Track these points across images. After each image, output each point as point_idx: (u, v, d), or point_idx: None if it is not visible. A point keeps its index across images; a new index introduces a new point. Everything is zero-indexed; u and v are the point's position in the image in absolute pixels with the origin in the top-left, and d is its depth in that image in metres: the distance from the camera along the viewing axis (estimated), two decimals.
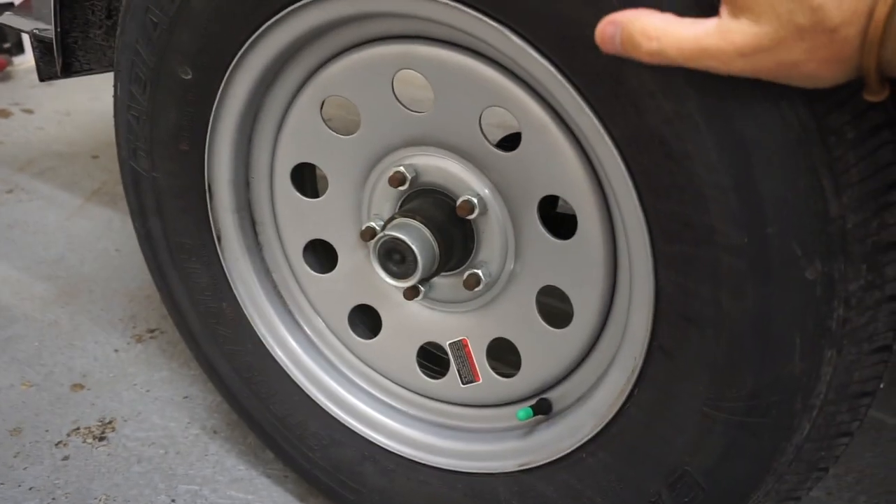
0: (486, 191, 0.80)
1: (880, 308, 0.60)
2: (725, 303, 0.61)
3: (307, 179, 0.96)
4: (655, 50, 0.51)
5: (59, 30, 1.04)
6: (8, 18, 1.23)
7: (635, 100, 0.58)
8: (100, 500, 1.09)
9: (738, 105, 0.53)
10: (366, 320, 0.99)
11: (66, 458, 1.17)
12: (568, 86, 0.63)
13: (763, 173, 0.55)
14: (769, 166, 0.55)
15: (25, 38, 3.26)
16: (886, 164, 0.55)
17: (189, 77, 0.84)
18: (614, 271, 0.75)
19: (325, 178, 0.90)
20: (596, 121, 0.63)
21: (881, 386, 0.64)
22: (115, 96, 0.92)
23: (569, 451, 0.80)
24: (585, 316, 0.78)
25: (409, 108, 0.80)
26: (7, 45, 3.20)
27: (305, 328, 1.01)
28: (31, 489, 1.10)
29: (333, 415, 0.98)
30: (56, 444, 1.19)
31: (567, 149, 0.72)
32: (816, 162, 0.54)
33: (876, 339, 0.61)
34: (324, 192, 0.91)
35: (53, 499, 1.09)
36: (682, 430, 0.69)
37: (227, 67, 0.82)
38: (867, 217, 0.56)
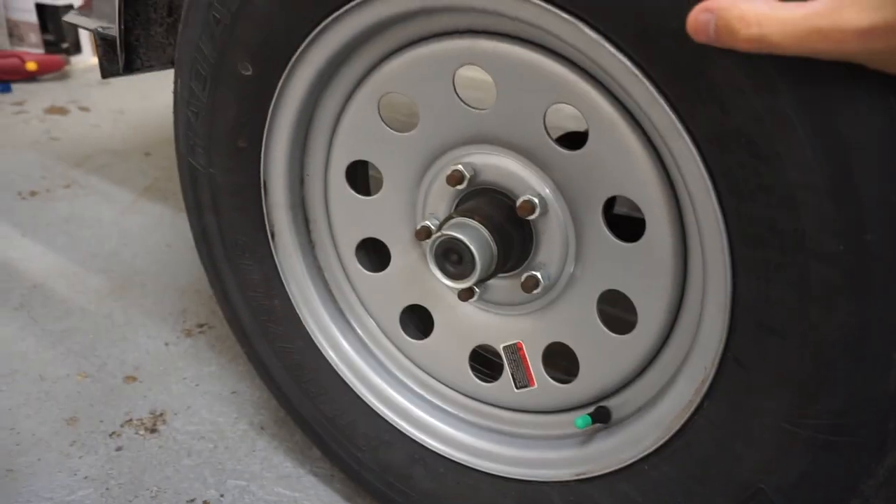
0: (548, 190, 0.77)
1: None
2: (814, 314, 0.57)
3: (360, 177, 0.95)
4: (756, 36, 0.48)
5: (122, 27, 1.06)
6: (74, 18, 1.26)
7: (721, 96, 0.55)
8: (151, 492, 1.10)
9: (839, 101, 0.50)
10: (417, 321, 0.97)
11: (119, 448, 1.18)
12: (645, 80, 0.60)
13: (864, 175, 0.51)
14: (871, 167, 0.51)
15: (83, 38, 3.37)
16: None
17: (249, 73, 0.84)
18: (684, 276, 0.72)
19: (378, 177, 0.89)
20: (674, 118, 0.59)
21: None
22: (175, 93, 0.92)
23: (629, 462, 0.76)
24: (651, 322, 0.75)
25: (469, 105, 0.78)
26: (65, 45, 3.31)
27: (356, 328, 1.00)
28: (86, 478, 1.12)
29: (383, 416, 0.97)
30: (110, 435, 1.21)
31: (637, 147, 0.69)
32: None
33: None
34: (377, 191, 0.90)
35: (107, 489, 1.11)
36: (757, 447, 0.65)
37: (288, 63, 0.81)
38: None
